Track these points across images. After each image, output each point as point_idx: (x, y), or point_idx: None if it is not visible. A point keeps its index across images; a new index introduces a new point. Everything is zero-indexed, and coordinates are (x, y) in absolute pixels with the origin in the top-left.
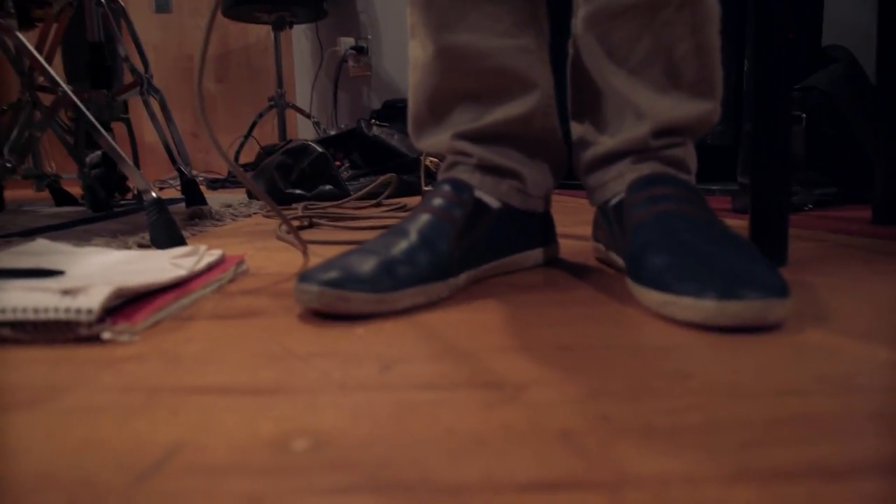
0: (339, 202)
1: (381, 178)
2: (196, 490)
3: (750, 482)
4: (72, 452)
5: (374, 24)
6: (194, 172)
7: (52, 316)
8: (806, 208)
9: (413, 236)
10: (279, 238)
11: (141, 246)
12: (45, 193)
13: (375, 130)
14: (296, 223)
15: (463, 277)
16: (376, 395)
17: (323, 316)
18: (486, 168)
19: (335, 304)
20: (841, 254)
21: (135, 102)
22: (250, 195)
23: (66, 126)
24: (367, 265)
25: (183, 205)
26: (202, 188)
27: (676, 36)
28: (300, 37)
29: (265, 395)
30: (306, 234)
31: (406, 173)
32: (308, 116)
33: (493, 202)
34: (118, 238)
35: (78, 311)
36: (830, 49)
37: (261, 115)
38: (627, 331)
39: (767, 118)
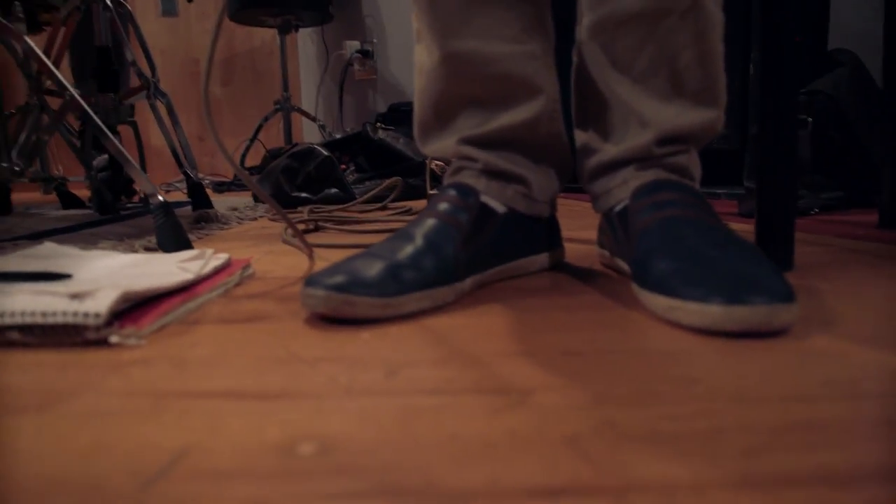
0: (345, 205)
1: (387, 182)
2: (203, 495)
3: (756, 488)
4: (80, 457)
5: (380, 27)
6: (200, 176)
7: (60, 320)
8: (812, 212)
9: (419, 241)
10: (285, 241)
11: (147, 249)
12: (53, 196)
13: (381, 134)
14: (301, 226)
15: (468, 282)
16: (382, 400)
17: (329, 320)
18: (492, 173)
19: (341, 308)
20: (847, 258)
21: (141, 106)
22: (256, 198)
23: (72, 129)
24: (373, 269)
25: (189, 208)
26: (208, 191)
27: (680, 44)
28: (306, 40)
29: (271, 399)
30: (312, 238)
31: (411, 177)
32: (314, 120)
33: (499, 207)
34: (125, 241)
35: (86, 314)
36: (836, 53)
37: (266, 119)
38: (633, 335)
39: (774, 122)
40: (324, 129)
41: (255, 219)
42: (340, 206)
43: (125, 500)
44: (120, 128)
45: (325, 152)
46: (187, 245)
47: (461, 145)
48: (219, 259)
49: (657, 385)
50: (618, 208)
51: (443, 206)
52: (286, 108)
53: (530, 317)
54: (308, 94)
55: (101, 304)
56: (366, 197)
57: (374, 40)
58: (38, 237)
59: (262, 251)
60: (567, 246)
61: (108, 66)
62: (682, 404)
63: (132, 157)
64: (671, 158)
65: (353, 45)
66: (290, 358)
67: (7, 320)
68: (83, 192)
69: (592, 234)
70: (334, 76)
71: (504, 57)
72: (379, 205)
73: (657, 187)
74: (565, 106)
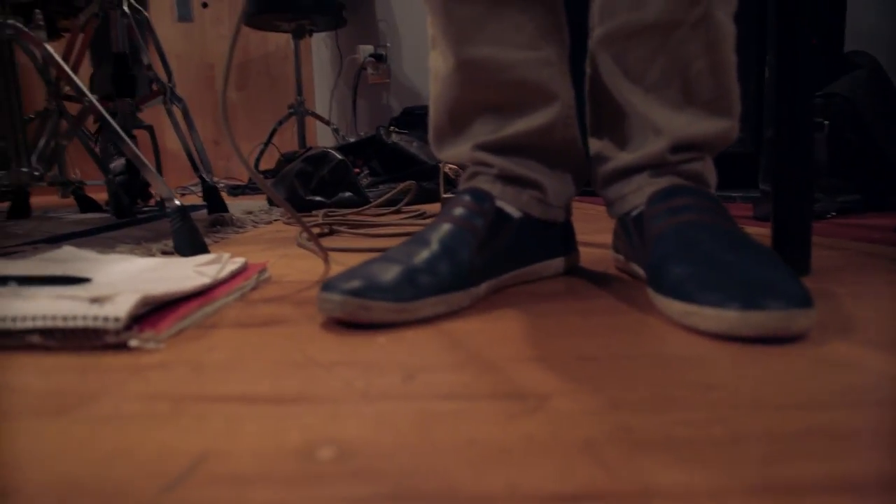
0: (359, 209)
1: (401, 186)
2: (224, 499)
3: (775, 496)
4: (101, 461)
5: (394, 31)
6: (215, 179)
7: (80, 324)
8: (828, 216)
9: (434, 245)
10: (300, 245)
11: (164, 253)
12: (70, 200)
13: (395, 138)
14: (316, 230)
15: (484, 287)
16: (399, 405)
17: (345, 324)
18: (507, 178)
19: (357, 312)
20: (864, 262)
21: (157, 111)
22: (271, 202)
23: (90, 133)
24: (388, 274)
25: (204, 211)
26: (223, 195)
27: (692, 54)
28: (319, 45)
29: (289, 403)
30: (326, 241)
31: (425, 180)
32: (327, 123)
33: (514, 212)
34: (142, 245)
35: (105, 318)
36: (853, 55)
37: (280, 123)
38: (649, 341)
39: (790, 125)
40: (337, 133)
41: (270, 222)
42: (354, 210)
43: None
44: (136, 132)
45: (339, 156)
46: (203, 249)
47: (476, 151)
48: (235, 263)
49: (673, 391)
50: (633, 213)
51: (458, 211)
52: (300, 112)
53: (545, 321)
54: (322, 98)
55: (120, 308)
56: (380, 201)
57: (388, 44)
58: (56, 241)
59: (278, 255)
60: (582, 250)
61: (125, 72)
62: (699, 410)
63: (149, 160)
64: (686, 165)
65: (366, 49)
66: (306, 362)
67: (28, 324)
68: (100, 195)
69: (607, 239)
70: (348, 80)
71: (519, 63)
72: (393, 208)
73: (672, 193)
74: (579, 112)
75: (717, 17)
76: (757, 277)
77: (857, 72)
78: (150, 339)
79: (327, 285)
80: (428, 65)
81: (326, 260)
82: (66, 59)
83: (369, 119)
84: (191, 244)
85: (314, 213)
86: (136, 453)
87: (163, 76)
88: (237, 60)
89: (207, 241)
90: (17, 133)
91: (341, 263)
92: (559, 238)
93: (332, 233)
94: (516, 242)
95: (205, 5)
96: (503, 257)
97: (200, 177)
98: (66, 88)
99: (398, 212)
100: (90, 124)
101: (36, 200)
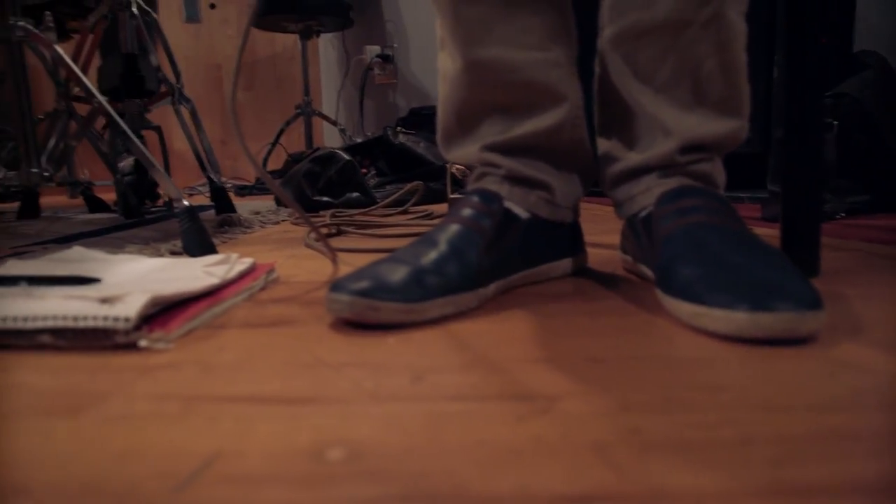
0: (366, 210)
1: (408, 186)
2: (235, 499)
3: (785, 498)
4: (113, 461)
5: (401, 31)
6: (223, 179)
7: (90, 324)
8: (837, 217)
9: (442, 246)
10: (307, 246)
11: (173, 253)
12: (79, 200)
13: (402, 138)
14: (324, 230)
15: (492, 287)
16: (408, 406)
17: (353, 325)
18: (515, 179)
19: (365, 313)
20: (874, 264)
21: (165, 111)
22: (278, 202)
23: (99, 134)
24: (397, 275)
25: (212, 212)
26: (230, 195)
27: (702, 54)
28: (326, 45)
29: (299, 404)
30: (334, 242)
31: (432, 181)
32: (334, 124)
33: (522, 213)
34: (150, 245)
35: (116, 318)
36: (862, 55)
37: (288, 123)
38: (657, 342)
39: (799, 125)
40: (344, 134)
41: (278, 223)
42: (362, 211)
43: None
44: (144, 132)
45: (347, 157)
46: (212, 249)
47: (484, 152)
48: (244, 263)
49: (682, 392)
50: (642, 214)
51: (466, 211)
52: (307, 112)
53: (553, 322)
54: (329, 98)
55: (130, 308)
56: (387, 201)
57: (395, 45)
58: (66, 241)
59: (285, 255)
60: (590, 251)
61: (134, 73)
62: (709, 412)
63: (157, 161)
64: (694, 166)
65: (373, 49)
66: (315, 363)
67: (39, 324)
68: (108, 196)
69: (615, 239)
70: (355, 81)
71: (527, 64)
72: (400, 209)
73: (681, 193)
74: (587, 112)
75: (728, 17)
76: (766, 279)
77: (866, 72)
78: (160, 340)
79: (336, 286)
80: (435, 65)
81: (335, 260)
82: (75, 60)
83: (376, 119)
84: (199, 245)
85: (321, 213)
86: (146, 453)
87: (171, 77)
88: (245, 61)
89: (215, 241)
90: (27, 134)
91: (349, 264)
92: (567, 239)
93: (339, 233)
94: (524, 243)
95: (212, 6)
96: (511, 258)
97: (208, 177)
98: (76, 89)
99: (405, 212)
100: (97, 124)
101: (45, 200)
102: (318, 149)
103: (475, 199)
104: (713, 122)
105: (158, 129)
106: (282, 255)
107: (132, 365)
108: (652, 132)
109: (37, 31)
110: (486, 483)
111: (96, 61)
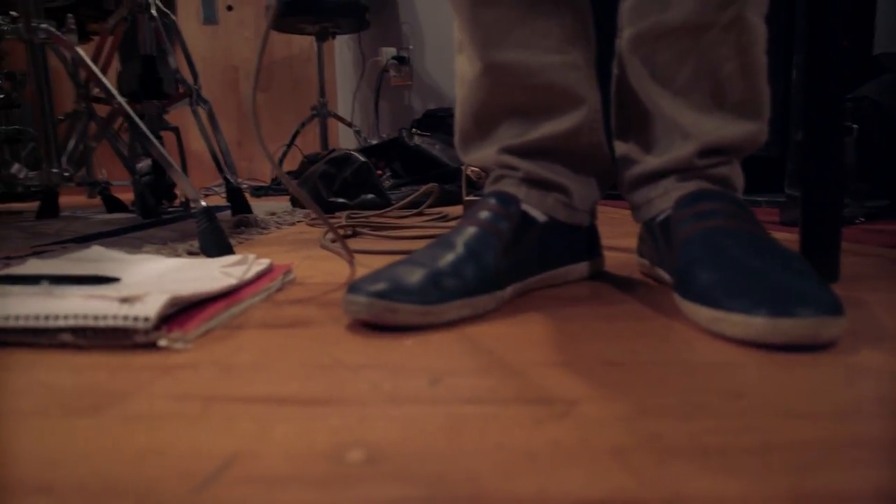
0: (382, 211)
1: (423, 188)
2: (255, 500)
3: None
4: (134, 460)
5: (417, 33)
6: (239, 180)
7: (110, 323)
8: (857, 221)
9: (460, 249)
10: (323, 247)
11: (190, 254)
12: (97, 200)
13: (417, 140)
14: (339, 232)
15: (509, 290)
16: (426, 408)
17: (370, 327)
18: (533, 182)
19: (383, 315)
20: (894, 269)
21: (182, 112)
22: (294, 203)
23: (118, 135)
24: (414, 277)
25: (228, 212)
26: (246, 195)
27: (722, 57)
28: (342, 47)
29: (317, 405)
30: (349, 243)
31: (447, 183)
32: (350, 125)
33: (540, 215)
34: (168, 245)
35: (135, 318)
36: (883, 57)
37: (303, 125)
38: (675, 346)
39: (819, 129)
40: (359, 135)
41: (293, 223)
42: (377, 212)
43: None
44: (162, 133)
45: (362, 158)
46: (229, 250)
47: (502, 154)
48: (261, 264)
49: (702, 398)
50: (660, 218)
51: (484, 214)
52: (323, 113)
53: (571, 326)
54: (344, 100)
55: (150, 308)
56: (402, 203)
57: (411, 47)
58: (85, 240)
59: (301, 256)
60: (606, 254)
61: (153, 74)
62: (729, 418)
63: (174, 162)
64: (713, 169)
65: (389, 51)
66: (333, 364)
67: (60, 322)
68: (126, 196)
69: (632, 243)
70: (370, 82)
71: (546, 67)
72: (415, 210)
73: (699, 197)
74: (605, 115)
75: (749, 19)
76: (785, 284)
77: (886, 75)
78: (179, 340)
79: (353, 287)
80: (450, 67)
81: (352, 262)
82: (95, 61)
83: (391, 121)
84: (217, 245)
85: (337, 214)
86: (167, 453)
87: (189, 78)
88: (262, 63)
89: (232, 241)
90: (48, 134)
91: (365, 265)
92: (584, 242)
93: (355, 235)
94: (541, 246)
95: (230, 8)
96: (528, 261)
97: (225, 178)
98: (96, 91)
99: (420, 214)
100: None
101: (63, 200)
102: (333, 150)
103: (492, 201)
104: (732, 125)
105: (176, 130)
106: (298, 255)
107: (152, 364)
108: (670, 135)
109: (59, 33)
110: (505, 486)
111: (115, 63)
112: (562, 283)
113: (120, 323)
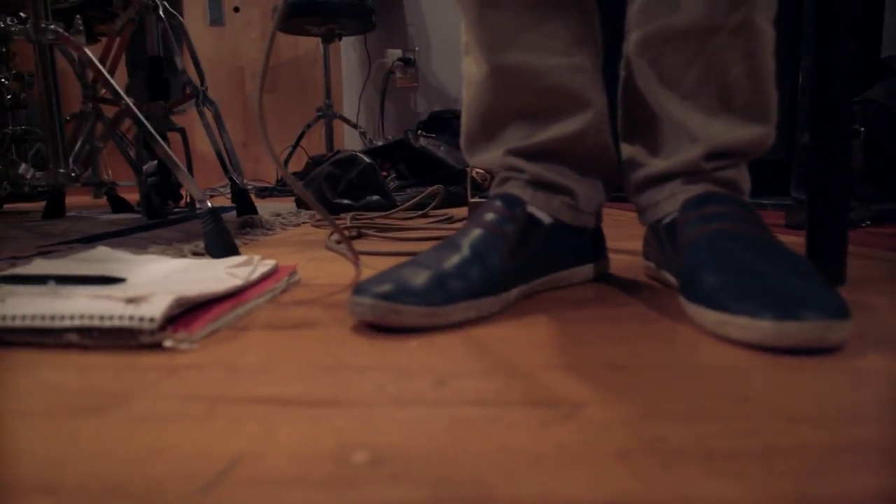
0: (387, 213)
1: (429, 190)
2: (260, 501)
3: None
4: (138, 461)
5: (423, 35)
6: (244, 181)
7: (116, 323)
8: (863, 225)
9: (465, 250)
10: (328, 248)
11: (196, 254)
12: (103, 200)
13: (422, 141)
14: (344, 233)
15: (514, 292)
16: (431, 410)
17: (375, 328)
18: (538, 184)
19: (388, 316)
20: None
21: (188, 113)
22: (299, 204)
23: (125, 136)
24: (419, 279)
25: (234, 213)
26: (251, 196)
27: (730, 60)
28: (348, 49)
29: (322, 406)
30: (354, 245)
31: (452, 184)
32: (355, 127)
33: (545, 218)
34: (173, 245)
35: (141, 319)
36: (890, 60)
37: (309, 126)
38: (681, 350)
39: (826, 132)
40: (365, 137)
41: (298, 225)
42: (382, 214)
43: None
44: (169, 134)
45: (367, 160)
46: (234, 251)
47: (508, 156)
48: (266, 265)
49: (707, 401)
50: (665, 221)
51: (489, 216)
52: (328, 115)
53: (576, 328)
54: (350, 101)
55: (155, 308)
56: (408, 204)
57: (416, 48)
58: (90, 241)
59: (306, 257)
60: (612, 257)
61: (159, 75)
62: (734, 422)
63: (180, 162)
64: (720, 173)
65: (395, 53)
66: (338, 365)
67: (67, 322)
68: (130, 196)
69: (637, 245)
70: (376, 84)
71: (552, 70)
72: (420, 212)
73: (706, 200)
74: (611, 118)
75: (757, 23)
76: (792, 287)
77: (892, 79)
78: (184, 340)
79: (358, 289)
80: (456, 69)
81: (357, 264)
82: (102, 62)
83: (397, 123)
84: (222, 246)
85: (342, 215)
86: (171, 454)
87: (195, 79)
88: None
89: (237, 242)
90: (56, 135)
91: (370, 267)
92: (589, 244)
93: (360, 236)
94: (547, 248)
95: (236, 10)
96: (534, 263)
97: (230, 178)
98: (103, 91)
99: (426, 216)
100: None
101: (69, 200)
102: (338, 151)
103: (498, 203)
104: (740, 128)
105: (182, 131)
106: (303, 257)
107: (157, 365)
108: (677, 138)
109: (67, 34)
110: (510, 488)
111: (122, 65)
112: (567, 285)
113: (126, 323)
